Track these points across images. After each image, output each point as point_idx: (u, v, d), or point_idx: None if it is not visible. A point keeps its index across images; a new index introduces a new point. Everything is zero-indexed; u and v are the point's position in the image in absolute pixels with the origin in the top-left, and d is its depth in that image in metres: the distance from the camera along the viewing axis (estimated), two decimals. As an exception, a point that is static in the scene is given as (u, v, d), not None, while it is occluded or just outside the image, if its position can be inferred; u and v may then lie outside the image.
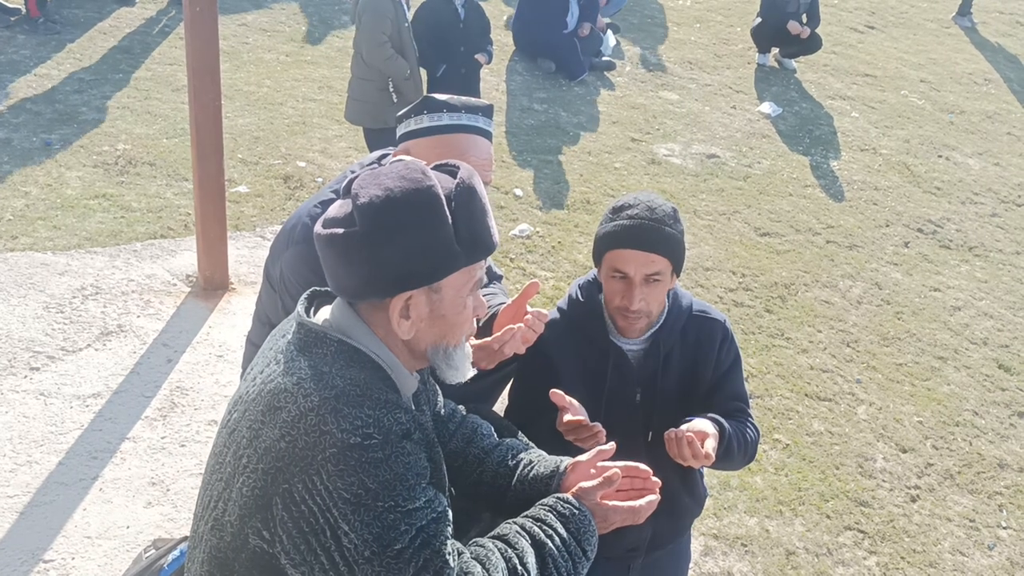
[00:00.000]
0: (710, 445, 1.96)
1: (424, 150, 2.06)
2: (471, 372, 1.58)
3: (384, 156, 2.24)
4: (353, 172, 2.19)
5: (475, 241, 1.47)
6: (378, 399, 1.41)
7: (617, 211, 2.08)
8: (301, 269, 2.07)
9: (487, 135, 2.12)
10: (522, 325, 1.97)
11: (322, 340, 1.47)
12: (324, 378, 1.41)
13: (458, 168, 1.51)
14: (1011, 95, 9.33)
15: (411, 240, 1.42)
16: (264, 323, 2.30)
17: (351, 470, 1.35)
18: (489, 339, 1.97)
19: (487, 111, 2.14)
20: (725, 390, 2.22)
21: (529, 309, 2.02)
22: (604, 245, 2.09)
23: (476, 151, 2.08)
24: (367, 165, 2.22)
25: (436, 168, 1.52)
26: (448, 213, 1.44)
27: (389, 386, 1.48)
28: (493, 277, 2.49)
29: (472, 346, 1.94)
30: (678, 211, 2.11)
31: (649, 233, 2.02)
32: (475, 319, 1.57)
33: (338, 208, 1.47)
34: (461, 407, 1.91)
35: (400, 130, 2.14)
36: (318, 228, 1.47)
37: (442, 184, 1.46)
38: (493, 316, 2.13)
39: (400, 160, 1.51)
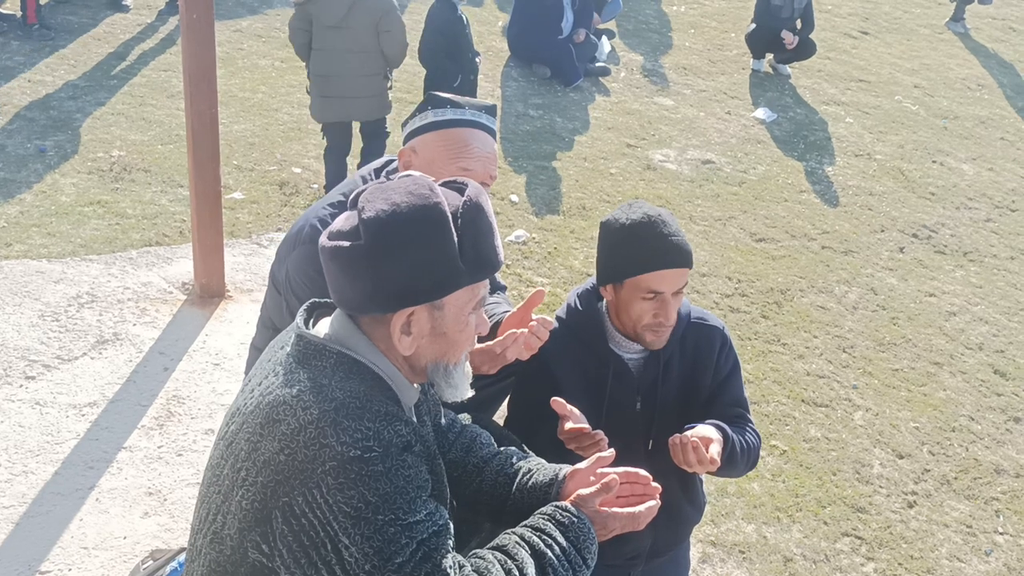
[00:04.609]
0: (715, 450, 1.96)
1: (429, 145, 2.08)
2: (469, 392, 1.57)
3: (391, 161, 2.25)
4: (363, 177, 2.20)
5: (480, 259, 1.46)
6: (378, 411, 1.41)
7: (636, 229, 2.04)
8: (307, 270, 2.08)
9: (491, 132, 2.15)
10: (526, 331, 1.97)
11: (321, 352, 1.46)
12: (323, 390, 1.41)
13: (466, 185, 1.51)
14: (1004, 100, 9.37)
15: (416, 256, 1.41)
16: (268, 328, 2.30)
17: (351, 483, 1.34)
18: (491, 343, 1.97)
19: (490, 110, 2.17)
20: (725, 397, 2.22)
21: (534, 316, 2.02)
22: (635, 268, 2.04)
23: (480, 144, 2.10)
24: (377, 170, 2.23)
25: (444, 185, 1.52)
26: (454, 230, 1.43)
27: (390, 398, 1.48)
28: (497, 287, 2.49)
29: (475, 349, 1.94)
30: None
31: (681, 249, 2.04)
32: (476, 336, 1.56)
33: (344, 221, 1.47)
34: (466, 415, 1.91)
35: (405, 130, 2.16)
36: (323, 240, 1.47)
37: (449, 201, 1.46)
38: (497, 323, 2.13)
39: (409, 175, 1.51)
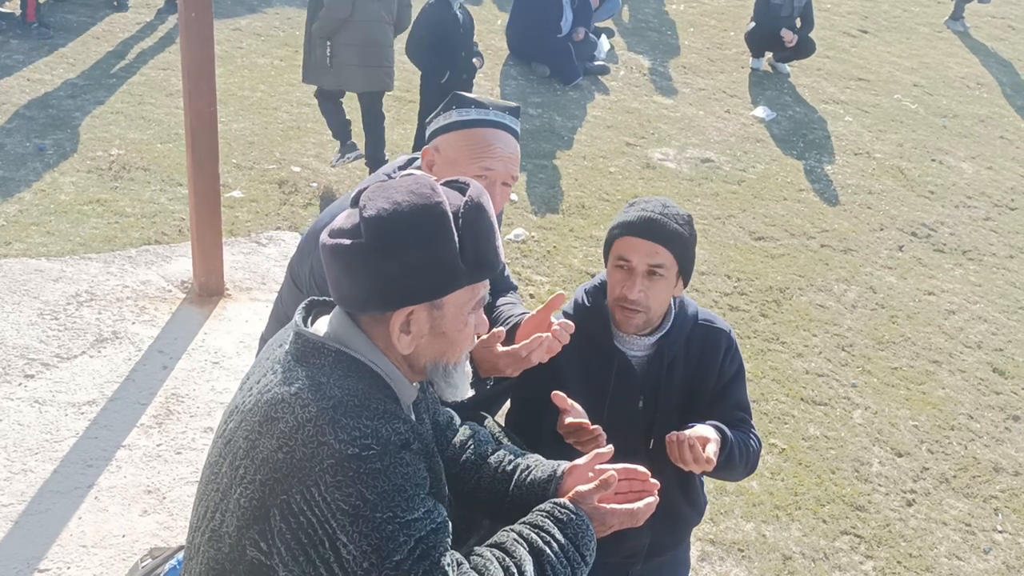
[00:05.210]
0: (711, 450, 1.96)
1: (452, 144, 2.09)
2: (470, 392, 1.57)
3: (413, 159, 2.25)
4: (386, 174, 2.21)
5: (480, 260, 1.46)
6: (376, 409, 1.41)
7: (632, 205, 2.14)
8: None
9: (514, 133, 2.16)
10: (549, 335, 1.98)
11: (320, 350, 1.46)
12: (322, 388, 1.41)
13: (468, 185, 1.51)
14: (1003, 99, 9.37)
15: (416, 256, 1.41)
16: (282, 322, 2.29)
17: (349, 481, 1.34)
18: (517, 346, 1.98)
19: (514, 111, 2.18)
20: (728, 400, 2.22)
21: (554, 320, 2.03)
22: (613, 234, 2.13)
23: (503, 145, 2.11)
24: (400, 167, 2.23)
25: (446, 184, 1.52)
26: (455, 230, 1.43)
27: (388, 396, 1.48)
28: (508, 287, 2.49)
29: (499, 352, 1.95)
30: (692, 220, 2.14)
31: (657, 224, 2.07)
32: (476, 337, 1.56)
33: (345, 219, 1.47)
34: (488, 416, 1.91)
35: (429, 128, 2.17)
36: (324, 237, 1.47)
37: (450, 201, 1.46)
38: (516, 325, 2.13)
39: (411, 174, 1.51)
